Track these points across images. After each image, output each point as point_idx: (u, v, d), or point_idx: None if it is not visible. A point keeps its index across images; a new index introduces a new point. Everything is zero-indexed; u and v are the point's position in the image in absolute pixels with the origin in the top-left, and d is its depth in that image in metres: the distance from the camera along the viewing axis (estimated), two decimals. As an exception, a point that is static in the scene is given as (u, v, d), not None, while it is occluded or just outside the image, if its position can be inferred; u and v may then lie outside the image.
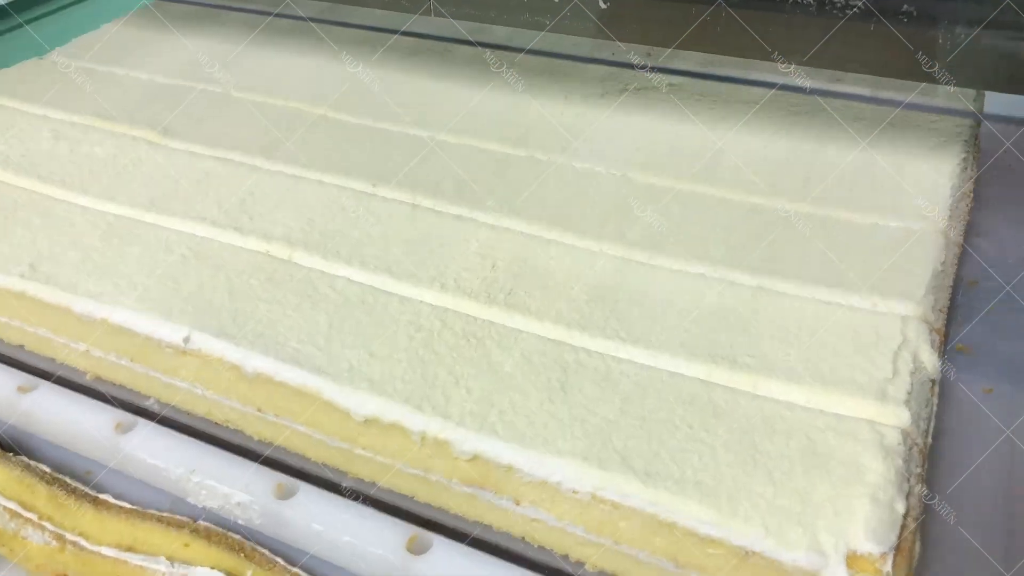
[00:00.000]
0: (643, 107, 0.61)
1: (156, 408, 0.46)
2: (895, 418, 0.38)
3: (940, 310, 0.45)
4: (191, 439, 0.44)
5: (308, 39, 0.74)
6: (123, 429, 0.44)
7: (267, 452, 0.44)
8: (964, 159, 0.54)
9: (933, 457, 0.40)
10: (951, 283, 0.47)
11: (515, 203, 0.53)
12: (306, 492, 0.41)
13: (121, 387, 0.48)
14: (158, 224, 0.53)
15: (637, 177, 0.55)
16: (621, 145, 0.58)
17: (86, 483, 0.43)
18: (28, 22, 0.85)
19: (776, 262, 0.47)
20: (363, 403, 0.41)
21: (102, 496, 0.42)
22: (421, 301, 0.46)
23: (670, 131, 0.59)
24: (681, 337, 0.43)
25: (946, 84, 0.59)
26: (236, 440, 0.45)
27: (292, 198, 0.54)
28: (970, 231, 0.55)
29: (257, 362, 0.43)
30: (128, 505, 0.41)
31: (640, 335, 0.43)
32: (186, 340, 0.45)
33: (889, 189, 0.52)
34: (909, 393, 0.39)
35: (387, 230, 0.51)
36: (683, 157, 0.56)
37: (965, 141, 0.56)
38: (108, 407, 0.46)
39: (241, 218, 0.53)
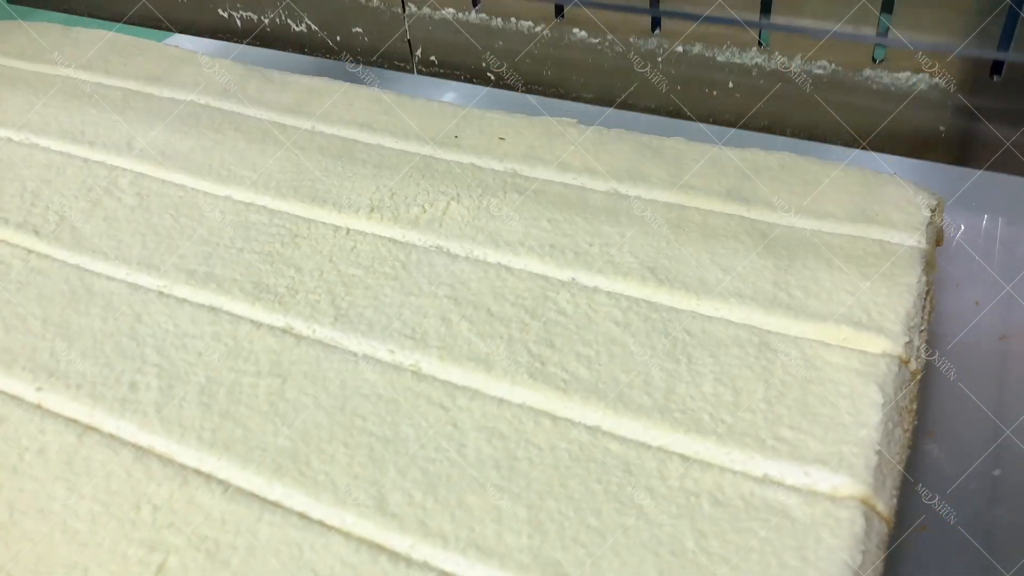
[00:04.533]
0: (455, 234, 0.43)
1: None
2: None
3: None
4: None
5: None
6: None
7: None
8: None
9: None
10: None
11: (237, 428, 0.35)
12: None
13: None
14: None
15: (422, 366, 0.37)
16: (419, 308, 0.39)
17: None
18: None
19: None
20: None
21: None
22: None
23: (491, 277, 0.41)
24: None
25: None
26: None
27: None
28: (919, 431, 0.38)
29: None
30: None
31: None
32: None
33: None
34: None
35: (24, 488, 0.34)
36: (511, 317, 0.38)
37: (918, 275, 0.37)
38: None
39: None
